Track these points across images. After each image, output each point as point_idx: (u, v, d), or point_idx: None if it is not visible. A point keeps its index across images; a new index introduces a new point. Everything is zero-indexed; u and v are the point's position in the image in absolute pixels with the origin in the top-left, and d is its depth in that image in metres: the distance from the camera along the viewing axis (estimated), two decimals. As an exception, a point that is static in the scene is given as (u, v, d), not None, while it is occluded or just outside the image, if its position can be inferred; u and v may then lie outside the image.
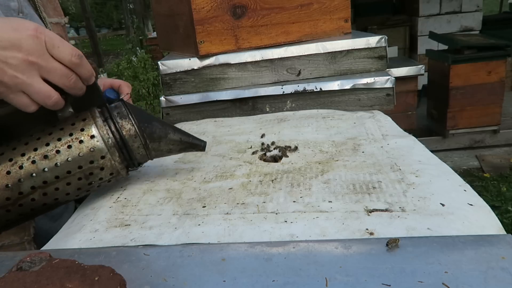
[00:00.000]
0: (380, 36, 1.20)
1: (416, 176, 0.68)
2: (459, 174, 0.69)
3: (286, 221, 0.59)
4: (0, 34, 0.54)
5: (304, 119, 1.08)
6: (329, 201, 0.63)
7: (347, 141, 0.89)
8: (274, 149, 0.86)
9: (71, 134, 0.63)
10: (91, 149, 0.63)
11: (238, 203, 0.65)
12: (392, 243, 0.49)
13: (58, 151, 0.61)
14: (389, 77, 1.16)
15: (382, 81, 1.15)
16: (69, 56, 0.58)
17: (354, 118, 1.03)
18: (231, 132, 1.03)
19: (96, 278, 0.42)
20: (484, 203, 0.60)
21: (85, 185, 0.65)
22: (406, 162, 0.74)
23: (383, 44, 1.20)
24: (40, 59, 0.55)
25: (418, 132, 3.60)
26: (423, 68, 3.04)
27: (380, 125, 0.97)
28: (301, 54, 1.21)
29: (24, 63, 0.54)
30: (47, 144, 0.62)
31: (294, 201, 0.64)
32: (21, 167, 0.60)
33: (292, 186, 0.69)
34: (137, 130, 0.66)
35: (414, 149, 0.81)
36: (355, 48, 1.20)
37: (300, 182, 0.71)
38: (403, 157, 0.77)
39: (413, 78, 3.13)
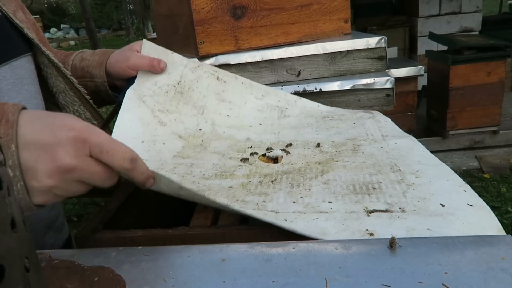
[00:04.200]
0: (380, 37, 1.20)
1: (416, 177, 0.68)
2: (459, 175, 0.69)
3: (286, 220, 0.59)
4: (32, 135, 0.46)
5: (304, 117, 1.04)
6: (329, 202, 0.63)
7: (347, 141, 0.89)
8: (273, 149, 0.86)
9: None
10: None
11: (237, 200, 0.65)
12: (395, 243, 0.50)
13: None
14: (389, 77, 1.16)
15: (382, 82, 1.15)
16: (120, 162, 0.51)
17: (354, 118, 1.03)
18: (230, 121, 0.97)
19: (96, 279, 0.42)
20: (484, 203, 0.60)
21: None
22: (406, 163, 0.74)
23: (383, 45, 1.20)
24: (80, 164, 0.48)
25: (418, 132, 3.60)
26: (423, 68, 3.04)
27: (380, 125, 0.97)
28: (301, 55, 1.21)
29: (58, 170, 0.47)
30: None
31: (294, 202, 0.64)
32: None
33: (292, 187, 0.69)
34: None
35: (414, 149, 0.81)
36: (355, 48, 1.20)
37: (300, 182, 0.71)
38: (403, 158, 0.77)
39: (412, 79, 3.13)
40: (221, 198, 0.65)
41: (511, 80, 4.39)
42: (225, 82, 0.99)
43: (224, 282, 0.46)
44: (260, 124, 1.00)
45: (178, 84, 0.94)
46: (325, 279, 0.45)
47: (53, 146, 0.46)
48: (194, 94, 0.95)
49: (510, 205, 2.79)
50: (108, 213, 0.69)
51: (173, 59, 0.95)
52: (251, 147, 0.90)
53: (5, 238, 0.32)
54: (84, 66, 0.91)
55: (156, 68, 0.88)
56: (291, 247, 0.52)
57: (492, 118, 3.47)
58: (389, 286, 0.43)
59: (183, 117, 0.92)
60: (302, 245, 0.52)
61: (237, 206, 0.62)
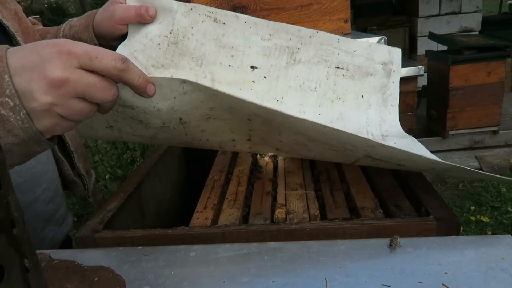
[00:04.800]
0: (380, 37, 1.20)
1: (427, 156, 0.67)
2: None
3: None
4: (19, 60, 0.47)
5: (315, 65, 0.88)
6: None
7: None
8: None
9: None
10: None
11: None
12: (395, 243, 0.50)
13: None
14: (389, 77, 1.15)
15: (382, 82, 1.15)
16: (112, 63, 0.49)
17: (369, 72, 0.89)
18: (232, 74, 0.84)
19: (96, 279, 0.42)
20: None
21: None
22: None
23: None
24: (71, 76, 0.48)
25: (418, 132, 3.60)
26: (423, 68, 3.03)
27: (382, 120, 0.94)
28: (301, 55, 1.20)
29: (52, 85, 0.47)
30: None
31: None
32: None
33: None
34: None
35: (413, 148, 0.81)
36: (355, 48, 1.20)
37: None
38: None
39: (412, 79, 3.12)
40: (226, 87, 0.62)
41: (511, 80, 4.39)
42: (224, 24, 0.83)
43: (224, 282, 0.46)
44: (265, 77, 0.86)
45: (171, 33, 0.82)
46: (325, 279, 0.45)
47: (40, 64, 0.47)
48: (190, 43, 0.83)
49: (510, 205, 2.79)
50: (108, 213, 0.69)
51: (162, 4, 0.83)
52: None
53: (5, 238, 0.32)
54: (73, 34, 0.85)
55: (145, 17, 0.77)
56: (291, 247, 0.52)
57: (492, 118, 3.47)
58: (389, 286, 0.43)
59: (180, 71, 0.82)
60: (302, 245, 0.52)
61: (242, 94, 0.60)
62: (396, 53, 0.85)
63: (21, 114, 0.46)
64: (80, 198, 0.95)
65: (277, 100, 0.83)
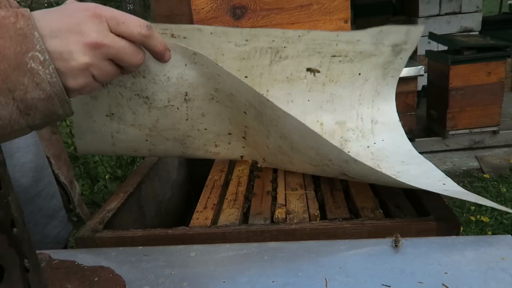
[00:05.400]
0: (379, 37, 1.19)
1: (396, 178, 0.68)
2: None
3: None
4: (54, 23, 0.50)
5: (307, 56, 0.83)
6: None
7: (335, 128, 0.85)
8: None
9: None
10: None
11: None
12: (398, 241, 0.50)
13: None
14: (389, 77, 1.15)
15: (382, 82, 1.15)
16: (137, 29, 0.53)
17: (367, 62, 0.86)
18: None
19: (96, 279, 0.42)
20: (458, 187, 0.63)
21: None
22: (389, 165, 0.75)
23: (383, 45, 1.20)
24: (105, 39, 0.51)
25: (418, 132, 3.60)
26: (423, 68, 3.04)
27: (377, 93, 0.88)
28: (301, 55, 1.20)
29: (89, 46, 0.50)
30: None
31: None
32: None
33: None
34: None
35: (400, 148, 0.81)
36: (355, 48, 1.20)
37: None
38: (386, 159, 0.77)
39: (412, 79, 3.13)
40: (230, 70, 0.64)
41: (511, 80, 4.39)
42: (185, 38, 0.73)
43: (224, 282, 0.46)
44: (246, 77, 0.83)
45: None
46: (325, 279, 0.45)
47: (77, 26, 0.50)
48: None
49: (510, 205, 2.79)
50: (108, 213, 0.69)
51: None
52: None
53: (5, 238, 0.32)
54: None
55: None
56: (291, 247, 0.52)
57: (492, 118, 3.47)
58: (389, 286, 0.43)
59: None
60: (302, 245, 0.52)
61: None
62: (416, 32, 0.81)
63: (50, 68, 0.48)
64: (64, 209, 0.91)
65: (262, 94, 0.76)
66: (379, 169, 0.71)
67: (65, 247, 0.89)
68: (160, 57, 0.59)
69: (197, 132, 0.78)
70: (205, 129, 0.78)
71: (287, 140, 0.72)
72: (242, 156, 0.88)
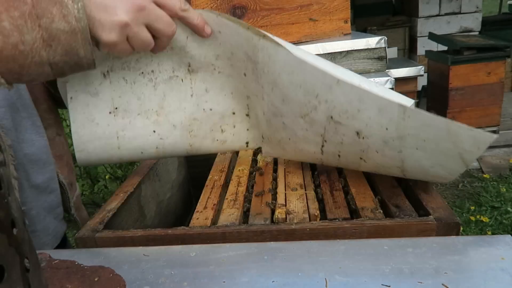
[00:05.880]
0: (379, 37, 1.20)
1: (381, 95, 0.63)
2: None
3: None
4: None
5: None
6: None
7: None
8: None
9: None
10: None
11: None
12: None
13: None
14: (389, 78, 1.16)
15: (382, 82, 1.15)
16: (178, 3, 0.58)
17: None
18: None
19: (96, 279, 0.42)
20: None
21: None
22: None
23: (383, 45, 1.20)
24: (148, 5, 0.55)
25: (418, 132, 3.60)
26: (423, 69, 3.04)
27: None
28: (300, 55, 1.20)
29: (133, 7, 0.54)
30: None
31: None
32: None
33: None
34: None
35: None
36: (355, 49, 1.20)
37: None
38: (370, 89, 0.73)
39: (412, 79, 3.13)
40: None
41: (511, 80, 4.39)
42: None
43: (224, 282, 0.46)
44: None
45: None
46: (325, 279, 0.45)
47: None
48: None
49: (510, 205, 2.79)
50: (108, 213, 0.69)
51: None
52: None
53: (5, 238, 0.32)
54: None
55: None
56: (291, 247, 0.52)
57: (492, 118, 3.47)
58: (389, 286, 0.43)
59: None
60: (302, 245, 0.52)
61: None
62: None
63: (79, 4, 0.51)
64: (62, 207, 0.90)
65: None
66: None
67: (62, 244, 0.89)
68: (201, 30, 0.63)
69: (203, 113, 0.76)
70: (210, 109, 0.77)
71: (278, 88, 0.67)
72: (247, 143, 0.84)
